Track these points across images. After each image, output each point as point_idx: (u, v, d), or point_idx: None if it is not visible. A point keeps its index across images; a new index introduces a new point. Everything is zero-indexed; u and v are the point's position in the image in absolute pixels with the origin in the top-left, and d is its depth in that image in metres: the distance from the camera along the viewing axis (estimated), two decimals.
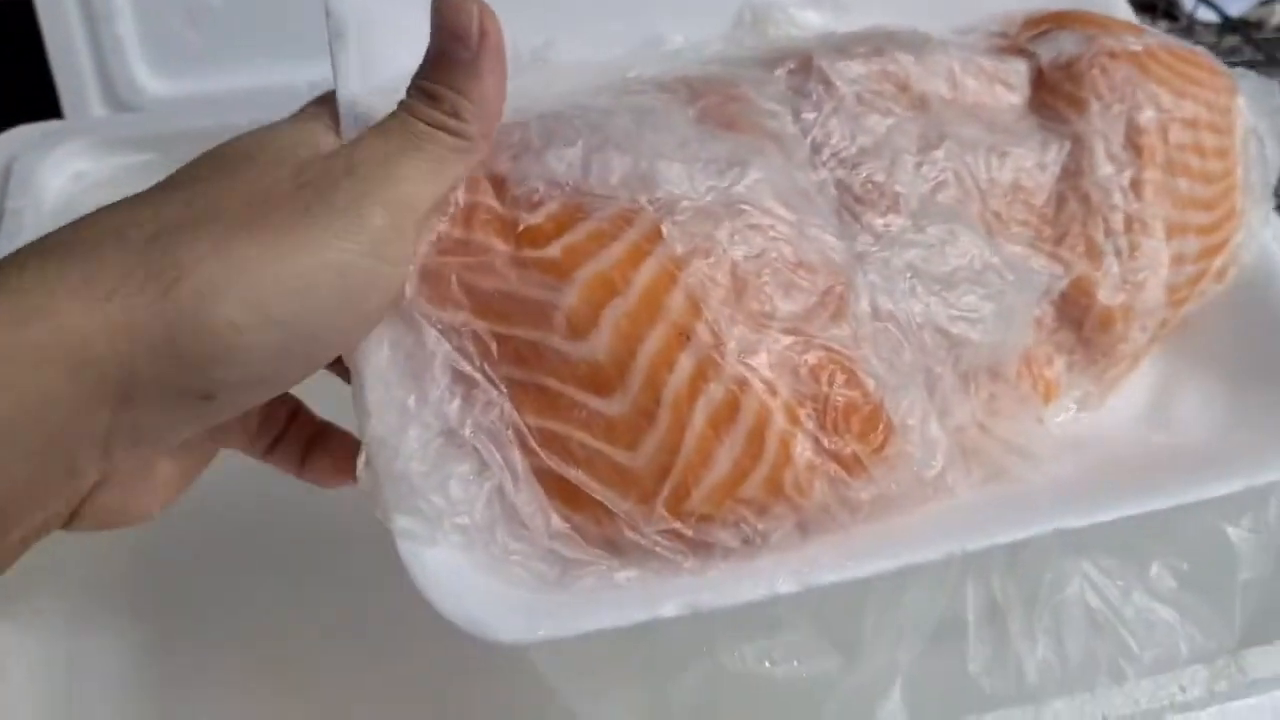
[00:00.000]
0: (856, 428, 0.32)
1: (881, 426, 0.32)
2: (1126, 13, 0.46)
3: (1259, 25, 0.97)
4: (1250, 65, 0.89)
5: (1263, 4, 0.94)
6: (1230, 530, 0.37)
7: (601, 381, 0.31)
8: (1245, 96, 0.43)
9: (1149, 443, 0.38)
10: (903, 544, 0.32)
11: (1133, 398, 0.40)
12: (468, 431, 0.31)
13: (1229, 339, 0.40)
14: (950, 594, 0.35)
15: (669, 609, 0.30)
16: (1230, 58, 0.85)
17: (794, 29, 0.41)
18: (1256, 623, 0.37)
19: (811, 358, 0.32)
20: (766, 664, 0.34)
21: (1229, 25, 0.81)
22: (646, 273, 0.31)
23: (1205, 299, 0.41)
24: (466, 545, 0.30)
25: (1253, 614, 0.37)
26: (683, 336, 0.31)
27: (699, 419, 0.30)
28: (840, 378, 0.32)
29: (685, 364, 0.31)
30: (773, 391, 0.31)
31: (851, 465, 0.32)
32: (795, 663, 0.34)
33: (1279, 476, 0.35)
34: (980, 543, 0.32)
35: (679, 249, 0.31)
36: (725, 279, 0.32)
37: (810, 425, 0.31)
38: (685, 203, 0.32)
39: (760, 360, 0.31)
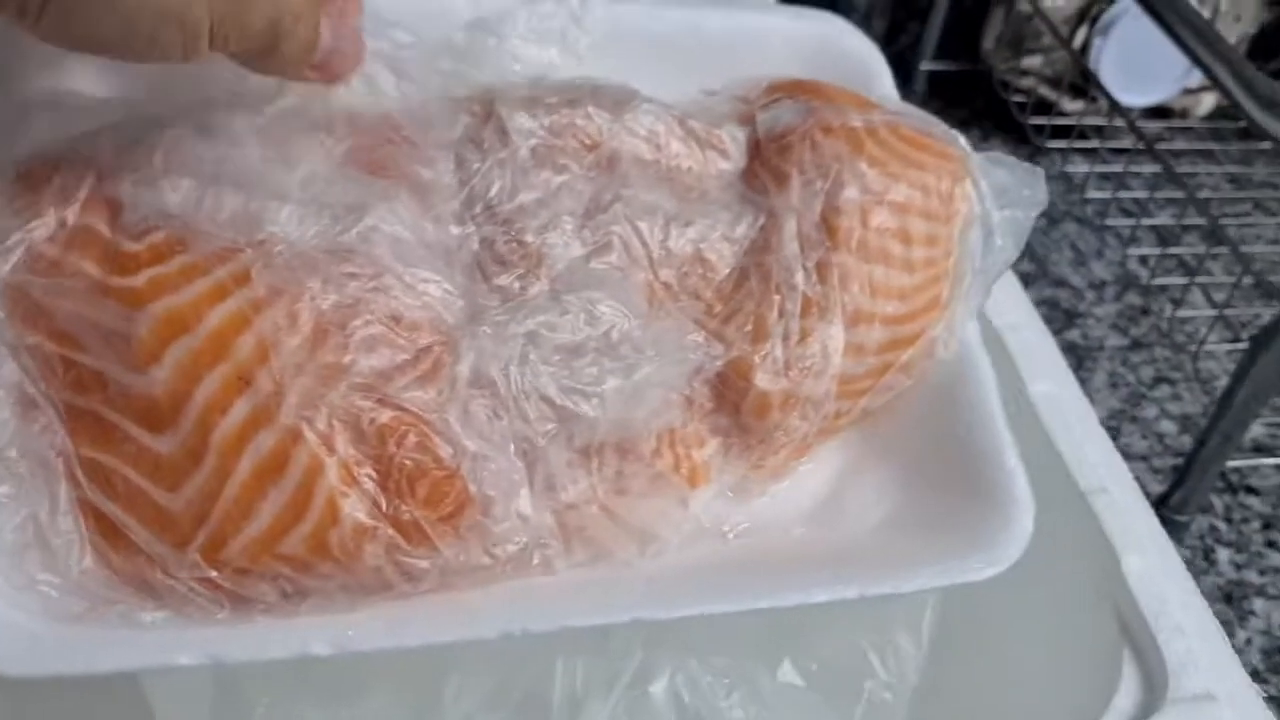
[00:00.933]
0: (423, 494, 0.32)
1: (454, 495, 0.32)
2: (887, 86, 0.46)
3: (1183, 114, 0.96)
4: (1128, 152, 0.89)
5: (1187, 93, 0.93)
6: (862, 638, 0.37)
7: (155, 418, 0.31)
8: (992, 185, 0.42)
9: (799, 537, 0.38)
10: (460, 618, 0.32)
11: (806, 489, 0.40)
12: (14, 453, 0.31)
13: (912, 439, 0.40)
14: (539, 670, 0.35)
15: (186, 658, 0.30)
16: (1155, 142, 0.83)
17: (515, 64, 0.41)
18: None
19: (384, 417, 0.32)
20: None
21: (1117, 110, 0.81)
22: (221, 313, 0.31)
23: (893, 392, 0.40)
24: None
25: None
26: (243, 381, 0.31)
27: (244, 468, 0.31)
28: (412, 440, 0.32)
29: (240, 410, 0.31)
30: (329, 448, 0.31)
31: (412, 532, 0.32)
32: None
33: (890, 590, 0.34)
34: (544, 625, 0.32)
35: (262, 292, 0.32)
36: (306, 327, 0.32)
37: (369, 486, 0.31)
38: (282, 246, 0.33)
39: (321, 415, 0.31)
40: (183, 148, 0.34)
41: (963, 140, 0.42)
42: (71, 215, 0.33)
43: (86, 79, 0.36)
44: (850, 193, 0.39)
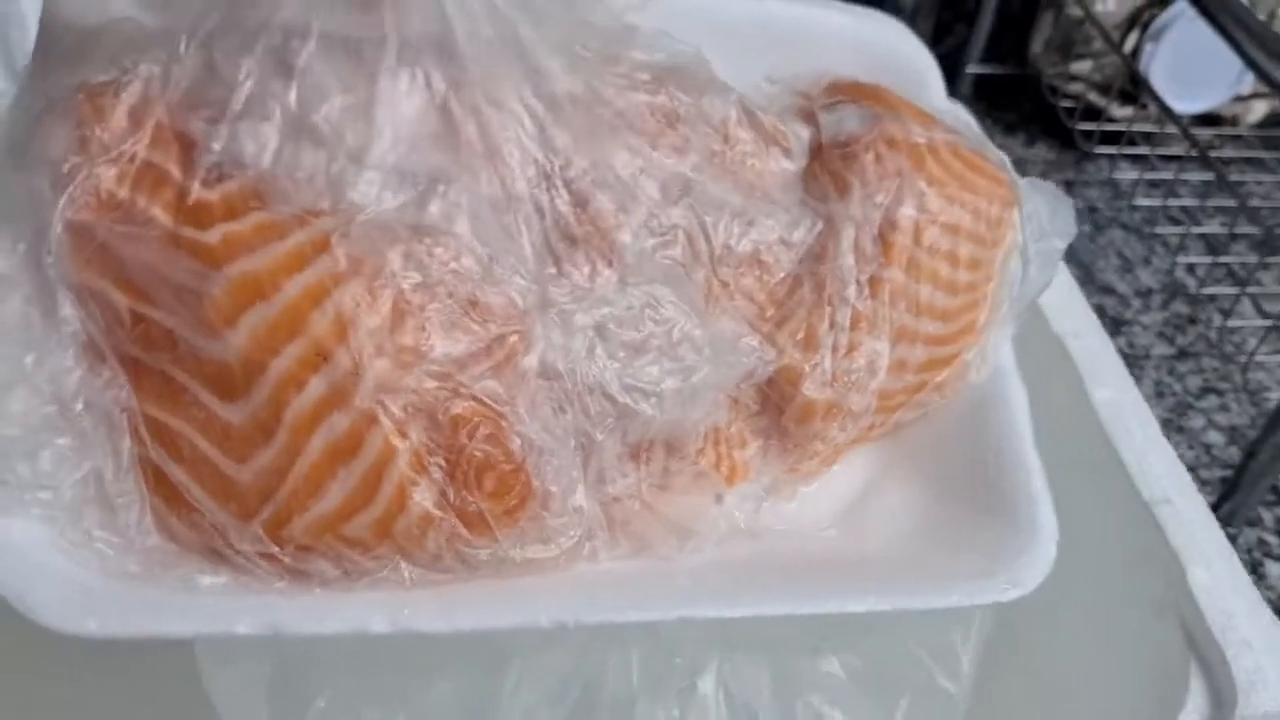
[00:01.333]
0: (490, 486, 0.32)
1: (518, 488, 0.33)
2: (939, 95, 0.46)
3: (1234, 121, 0.98)
4: (1178, 159, 0.89)
5: (1238, 100, 0.94)
6: (912, 638, 0.38)
7: (227, 385, 0.31)
8: (1030, 212, 0.43)
9: (830, 544, 0.40)
10: (516, 606, 0.33)
11: (835, 494, 0.41)
12: (79, 406, 0.31)
13: (940, 454, 0.41)
14: (594, 665, 0.36)
15: (244, 626, 0.31)
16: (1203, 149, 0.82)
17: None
18: None
19: (458, 407, 0.32)
20: None
21: (1170, 116, 0.82)
22: (300, 283, 0.31)
23: (924, 409, 0.42)
24: (48, 520, 0.30)
25: None
26: (320, 358, 0.31)
27: (316, 447, 0.31)
28: (483, 432, 0.32)
29: (315, 387, 0.31)
30: (403, 434, 0.31)
31: (475, 523, 0.32)
32: None
33: (925, 606, 0.36)
34: (596, 617, 0.33)
35: (341, 263, 0.31)
36: (385, 307, 0.32)
37: (438, 476, 0.32)
38: (365, 216, 0.32)
39: (398, 399, 0.31)
40: (260, 87, 0.33)
41: (1010, 165, 0.43)
42: (140, 149, 0.32)
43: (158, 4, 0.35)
44: (908, 210, 0.39)
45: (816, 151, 0.41)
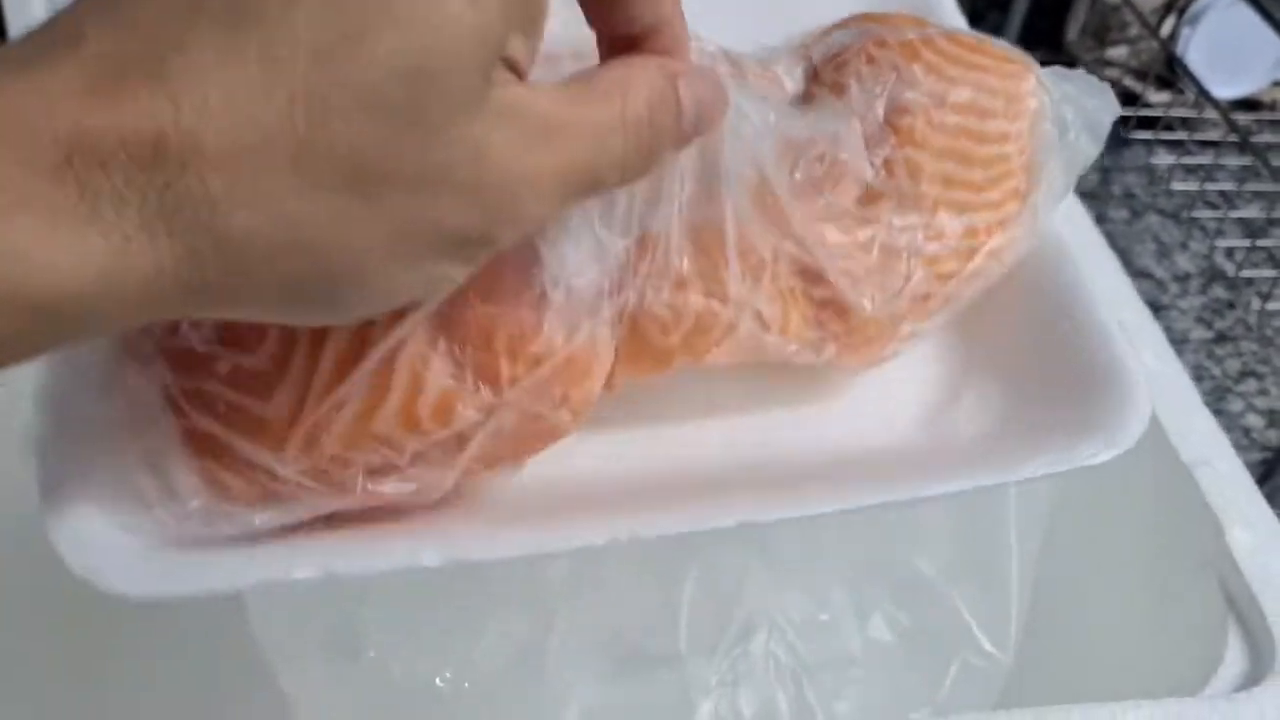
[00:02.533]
0: (503, 344, 0.32)
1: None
2: (954, 15, 0.47)
3: (1272, 106, 0.96)
4: (1216, 145, 0.88)
5: (1276, 85, 0.93)
6: (959, 599, 0.37)
7: (243, 337, 0.33)
8: (1065, 93, 0.43)
9: (910, 443, 0.38)
10: (565, 522, 0.33)
11: (910, 400, 0.40)
12: (121, 387, 0.33)
13: (1011, 341, 0.40)
14: (644, 622, 0.36)
15: (300, 571, 0.32)
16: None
17: None
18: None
19: None
20: (438, 681, 0.35)
21: (1210, 101, 0.81)
22: None
23: (985, 280, 0.41)
24: (111, 501, 0.32)
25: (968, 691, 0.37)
26: None
27: (327, 360, 0.32)
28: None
29: None
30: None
31: (494, 380, 0.32)
32: (466, 684, 0.35)
33: (1004, 479, 0.35)
34: (653, 530, 0.32)
35: None
36: None
37: (445, 348, 0.32)
38: None
39: None
40: None
41: (1020, 51, 0.43)
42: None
43: None
44: (910, 94, 0.40)
45: (813, 77, 0.43)
